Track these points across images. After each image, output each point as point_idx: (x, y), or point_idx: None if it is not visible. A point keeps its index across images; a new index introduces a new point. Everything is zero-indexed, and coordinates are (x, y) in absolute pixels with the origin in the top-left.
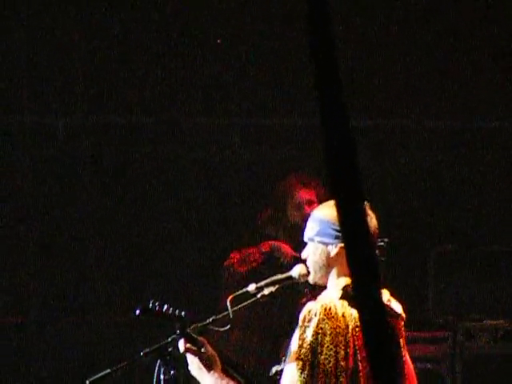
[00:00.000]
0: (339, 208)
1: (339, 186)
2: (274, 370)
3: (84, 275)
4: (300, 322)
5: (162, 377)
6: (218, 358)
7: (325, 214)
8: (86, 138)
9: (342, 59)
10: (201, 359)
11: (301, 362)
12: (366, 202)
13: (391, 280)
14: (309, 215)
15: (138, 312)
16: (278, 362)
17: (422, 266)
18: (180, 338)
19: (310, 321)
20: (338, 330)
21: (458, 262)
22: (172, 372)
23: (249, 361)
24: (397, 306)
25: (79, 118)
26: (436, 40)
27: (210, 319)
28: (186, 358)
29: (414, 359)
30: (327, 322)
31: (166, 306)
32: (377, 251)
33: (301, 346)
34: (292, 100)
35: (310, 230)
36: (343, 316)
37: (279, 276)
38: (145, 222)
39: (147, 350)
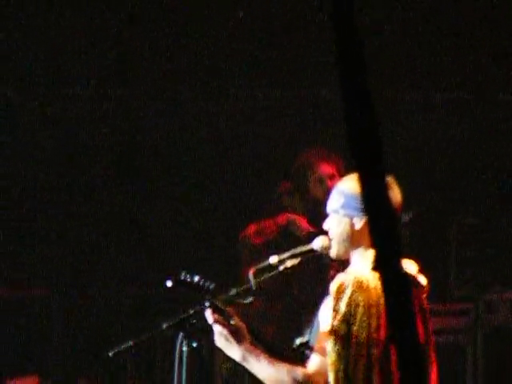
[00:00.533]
0: (362, 181)
1: (361, 159)
2: (297, 341)
3: (102, 248)
4: (333, 294)
5: (184, 349)
6: (246, 330)
7: (350, 186)
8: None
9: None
10: (230, 331)
11: (334, 334)
12: (389, 176)
13: (413, 253)
14: (330, 189)
15: (169, 283)
16: (301, 334)
17: (443, 238)
18: (205, 310)
19: (342, 293)
20: (370, 302)
21: (479, 234)
22: (194, 344)
23: (271, 332)
24: (423, 280)
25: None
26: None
27: (234, 291)
28: (211, 330)
29: (435, 331)
30: (360, 294)
31: (196, 278)
32: (400, 224)
33: (334, 318)
34: (314, 71)
35: (335, 202)
36: (375, 288)
37: (301, 248)
38: (161, 195)
39: (170, 322)
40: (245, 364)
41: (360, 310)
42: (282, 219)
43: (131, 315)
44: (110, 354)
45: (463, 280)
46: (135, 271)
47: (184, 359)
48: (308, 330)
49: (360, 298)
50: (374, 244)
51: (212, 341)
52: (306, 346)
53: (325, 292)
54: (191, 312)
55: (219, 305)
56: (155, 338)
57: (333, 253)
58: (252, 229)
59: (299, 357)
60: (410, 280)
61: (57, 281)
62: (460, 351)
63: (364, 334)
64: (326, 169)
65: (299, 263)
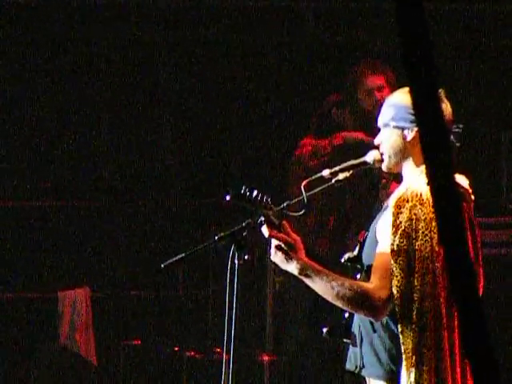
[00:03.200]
0: (413, 94)
1: (414, 72)
2: (346, 256)
3: (158, 158)
4: (392, 209)
5: (236, 261)
6: (301, 244)
7: (400, 98)
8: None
9: None
10: (287, 244)
11: (396, 249)
12: (440, 89)
13: (465, 165)
14: (379, 101)
15: (227, 197)
16: (350, 248)
17: (495, 151)
18: (261, 224)
19: (402, 207)
20: (431, 216)
21: None
22: (246, 257)
23: (323, 246)
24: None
25: None
26: None
27: (285, 204)
28: (264, 243)
29: (486, 244)
30: (420, 208)
31: (254, 192)
32: (452, 137)
33: (395, 234)
34: None
35: (385, 115)
36: None
37: (353, 161)
38: (215, 108)
39: (221, 234)
40: (302, 277)
41: (421, 224)
42: (338, 139)
43: (186, 226)
44: (163, 266)
45: None
46: (192, 183)
47: (236, 272)
48: (358, 244)
49: (420, 212)
50: (424, 156)
51: (265, 254)
52: (355, 260)
53: (377, 206)
54: (243, 224)
55: (274, 219)
56: (208, 250)
57: (384, 166)
58: (307, 149)
59: (348, 271)
60: (462, 193)
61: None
62: None
63: (428, 249)
64: (374, 80)
65: (351, 176)
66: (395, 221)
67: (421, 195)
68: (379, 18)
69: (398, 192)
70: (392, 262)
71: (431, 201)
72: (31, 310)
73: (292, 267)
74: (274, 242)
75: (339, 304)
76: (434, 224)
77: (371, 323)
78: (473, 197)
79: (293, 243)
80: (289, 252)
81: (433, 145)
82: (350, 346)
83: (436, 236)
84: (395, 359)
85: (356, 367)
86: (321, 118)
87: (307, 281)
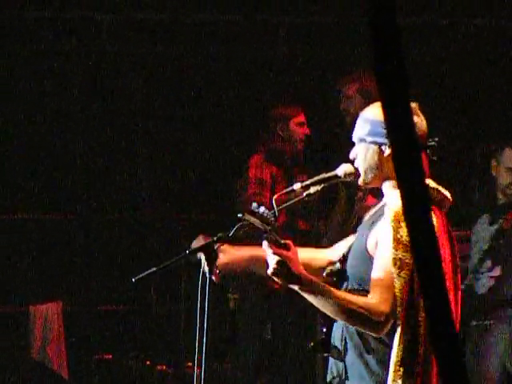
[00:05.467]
0: (385, 107)
1: (385, 84)
2: (328, 270)
3: (135, 172)
4: (392, 223)
5: (207, 275)
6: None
7: (376, 113)
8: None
9: None
10: (291, 261)
11: (398, 262)
12: (414, 104)
13: (441, 178)
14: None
15: (239, 214)
16: (331, 263)
17: (467, 165)
18: (264, 240)
19: (401, 221)
20: None
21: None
22: (218, 271)
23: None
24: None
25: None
26: None
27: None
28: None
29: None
30: None
31: (261, 209)
32: (428, 151)
33: (396, 247)
34: None
35: (361, 130)
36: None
37: (324, 175)
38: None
39: (193, 248)
40: (303, 293)
41: None
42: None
43: (158, 240)
44: (134, 280)
45: (487, 206)
46: (165, 197)
47: (207, 285)
48: (340, 259)
49: None
50: (396, 172)
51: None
52: (337, 274)
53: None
54: (215, 238)
55: (276, 236)
56: (180, 264)
57: (361, 181)
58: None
59: (331, 285)
60: (440, 200)
61: (79, 207)
62: None
63: None
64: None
65: (322, 189)
66: (396, 235)
67: None
68: (353, 32)
69: (395, 206)
70: (395, 275)
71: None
72: (2, 324)
73: (294, 282)
74: (275, 258)
75: (340, 319)
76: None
77: (360, 336)
78: (450, 202)
79: (294, 259)
80: (291, 267)
81: (404, 159)
82: (331, 359)
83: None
84: (383, 372)
85: (338, 379)
86: (268, 140)
87: (308, 296)
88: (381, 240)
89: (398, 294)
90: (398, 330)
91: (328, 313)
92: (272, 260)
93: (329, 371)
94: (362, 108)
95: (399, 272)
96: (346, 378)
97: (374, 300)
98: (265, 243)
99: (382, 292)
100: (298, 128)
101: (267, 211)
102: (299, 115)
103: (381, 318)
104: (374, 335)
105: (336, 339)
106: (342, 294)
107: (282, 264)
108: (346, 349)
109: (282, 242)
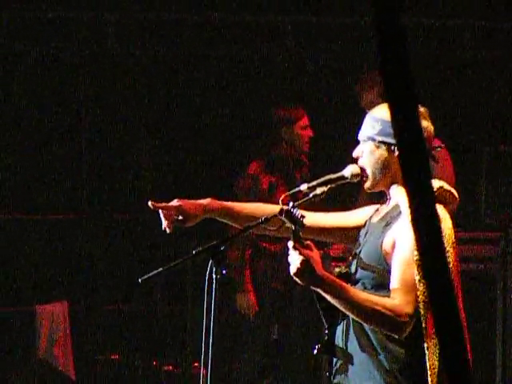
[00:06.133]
0: (392, 110)
1: (393, 86)
2: (336, 271)
3: (137, 174)
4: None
5: (213, 276)
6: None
7: (387, 113)
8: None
9: None
10: (314, 260)
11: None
12: (423, 108)
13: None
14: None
15: (279, 214)
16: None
17: (474, 166)
18: (290, 239)
19: None
20: (447, 232)
21: (510, 162)
22: (224, 271)
23: None
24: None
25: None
26: None
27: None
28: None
29: (466, 259)
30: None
31: (295, 210)
32: (433, 153)
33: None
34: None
35: (370, 129)
36: (445, 219)
37: (331, 176)
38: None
39: (199, 248)
40: (325, 293)
41: (443, 239)
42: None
43: (164, 240)
44: (140, 280)
45: (494, 208)
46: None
47: (214, 286)
48: (351, 260)
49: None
50: (403, 175)
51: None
52: (347, 275)
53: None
54: (222, 239)
55: (300, 236)
56: (186, 265)
57: (369, 184)
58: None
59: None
60: (445, 197)
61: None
62: (490, 279)
63: (450, 264)
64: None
65: (329, 190)
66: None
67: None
68: (358, 33)
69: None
70: (418, 276)
71: (443, 217)
72: (9, 324)
73: (315, 283)
74: (299, 259)
75: (361, 320)
76: (451, 240)
77: (368, 336)
78: (457, 198)
79: (317, 260)
80: (315, 268)
81: (412, 162)
82: (335, 360)
83: (455, 252)
84: (395, 370)
85: (346, 379)
86: (269, 141)
87: (329, 296)
88: (400, 241)
89: (421, 296)
90: (427, 333)
91: (350, 314)
92: (296, 260)
93: (334, 371)
94: None
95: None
96: (355, 377)
97: (397, 301)
98: (290, 243)
99: (405, 293)
100: (303, 131)
101: (299, 212)
102: (303, 118)
103: (405, 319)
104: (395, 336)
105: (340, 339)
106: (365, 294)
107: (307, 264)
108: (352, 350)
109: (305, 242)
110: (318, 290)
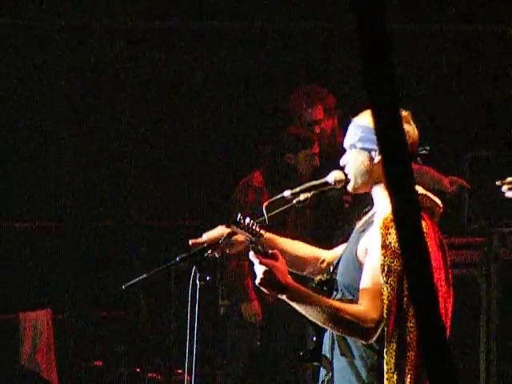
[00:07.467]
0: (374, 115)
1: (375, 94)
2: (317, 279)
3: (120, 179)
4: (380, 230)
5: (197, 282)
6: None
7: (368, 120)
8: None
9: None
10: (276, 270)
11: (386, 268)
12: (406, 112)
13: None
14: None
15: (225, 225)
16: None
17: (457, 172)
18: (251, 251)
19: (389, 227)
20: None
21: (493, 167)
22: (208, 278)
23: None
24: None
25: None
26: None
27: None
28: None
29: (450, 264)
30: None
31: (247, 220)
32: (418, 159)
33: (385, 254)
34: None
35: (352, 136)
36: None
37: (314, 182)
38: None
39: (183, 255)
40: (292, 302)
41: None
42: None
43: (147, 247)
44: (124, 286)
45: (477, 213)
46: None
47: (197, 293)
48: (330, 268)
49: None
50: (386, 180)
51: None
52: (327, 282)
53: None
54: (205, 245)
55: (260, 247)
56: (170, 272)
57: (350, 187)
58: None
59: (320, 294)
60: (428, 208)
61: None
62: (474, 284)
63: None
64: (312, 114)
65: (312, 196)
66: (384, 241)
67: None
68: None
69: (384, 213)
70: (383, 282)
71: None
72: None
73: (281, 292)
74: (262, 269)
75: (329, 327)
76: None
77: (348, 344)
78: (441, 209)
79: (281, 268)
80: (278, 277)
81: (394, 167)
82: (321, 368)
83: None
84: (373, 378)
85: None
86: (273, 159)
87: (296, 305)
88: (370, 247)
89: (385, 301)
90: (387, 337)
91: (317, 321)
92: (259, 270)
93: (319, 380)
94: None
95: (387, 279)
96: None
97: (362, 307)
98: (251, 253)
99: (371, 299)
100: (308, 160)
101: (252, 222)
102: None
103: (370, 324)
104: (363, 342)
105: (325, 348)
106: (330, 301)
107: (269, 274)
108: (334, 357)
109: (270, 252)
110: (284, 298)
